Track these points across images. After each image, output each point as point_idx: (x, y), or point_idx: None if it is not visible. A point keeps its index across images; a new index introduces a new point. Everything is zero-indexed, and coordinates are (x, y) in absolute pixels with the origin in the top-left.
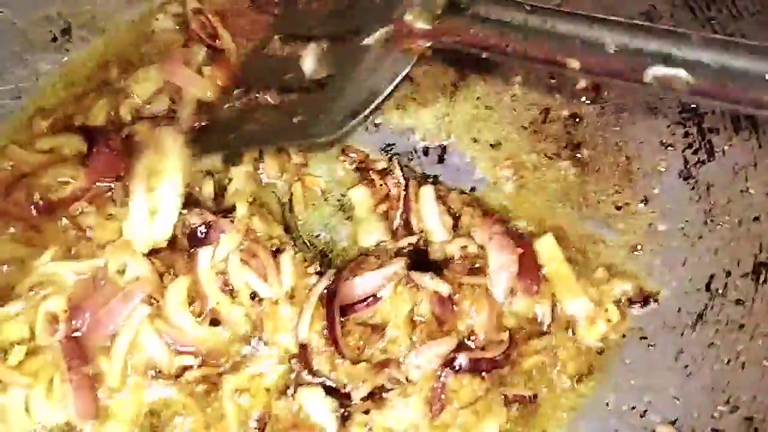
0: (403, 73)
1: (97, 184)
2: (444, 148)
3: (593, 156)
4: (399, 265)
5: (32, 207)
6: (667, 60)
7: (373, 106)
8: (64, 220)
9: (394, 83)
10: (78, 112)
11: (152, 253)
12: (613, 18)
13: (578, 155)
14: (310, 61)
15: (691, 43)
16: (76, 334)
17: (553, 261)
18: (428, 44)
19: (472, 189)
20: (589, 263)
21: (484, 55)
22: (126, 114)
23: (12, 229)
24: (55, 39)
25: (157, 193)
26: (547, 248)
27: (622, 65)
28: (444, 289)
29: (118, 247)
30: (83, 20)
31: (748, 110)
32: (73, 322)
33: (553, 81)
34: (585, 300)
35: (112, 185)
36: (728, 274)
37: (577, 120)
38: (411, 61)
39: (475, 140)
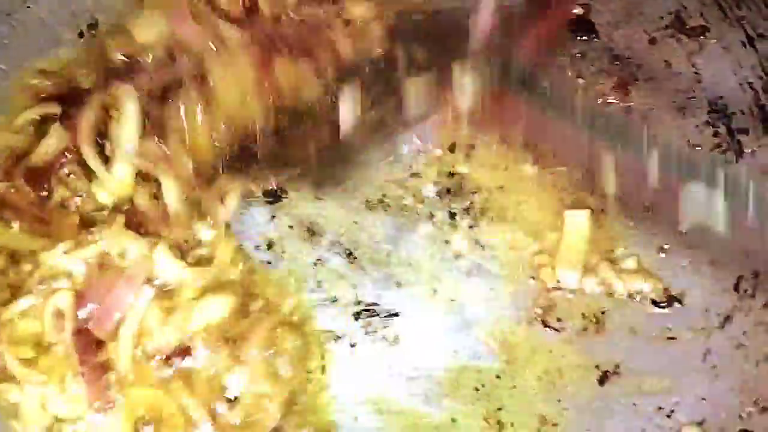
0: None
1: None
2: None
3: None
4: None
5: (22, 178)
6: None
7: None
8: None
9: None
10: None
11: None
12: None
13: None
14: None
15: None
16: (85, 326)
17: (576, 234)
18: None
19: None
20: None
21: None
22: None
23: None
24: (81, 34)
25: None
26: (577, 221)
27: None
28: None
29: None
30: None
31: None
32: (80, 314)
33: (581, 81)
34: (577, 275)
35: None
36: (756, 275)
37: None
38: None
39: None
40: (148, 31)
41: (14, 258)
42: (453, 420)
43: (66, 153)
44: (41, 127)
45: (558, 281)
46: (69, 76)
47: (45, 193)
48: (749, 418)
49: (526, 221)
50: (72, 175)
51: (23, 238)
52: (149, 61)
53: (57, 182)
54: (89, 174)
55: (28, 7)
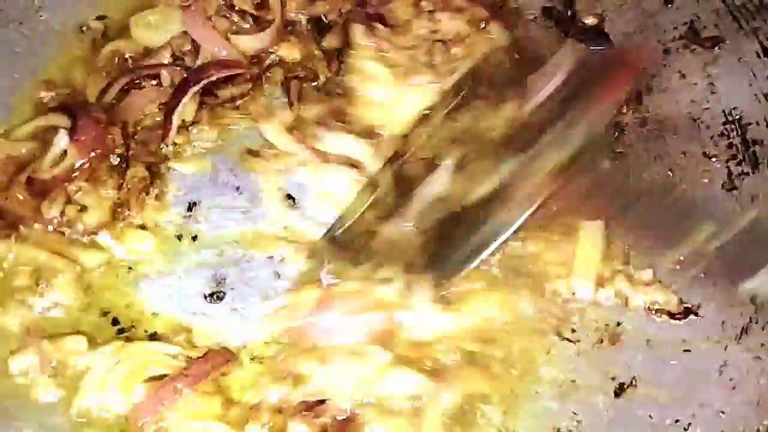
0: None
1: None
2: None
3: (634, 166)
4: None
5: (25, 189)
6: None
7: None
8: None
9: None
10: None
11: None
12: None
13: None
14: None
15: None
16: None
17: (590, 245)
18: None
19: None
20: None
21: None
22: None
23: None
24: (93, 43)
25: None
26: (591, 232)
27: None
28: None
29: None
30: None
31: None
32: None
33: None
34: (591, 286)
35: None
36: None
37: (619, 130)
38: None
39: None
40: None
41: None
42: None
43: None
44: (45, 137)
45: (573, 293)
46: (76, 87)
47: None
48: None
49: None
50: (80, 192)
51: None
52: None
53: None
54: (98, 189)
55: (40, 16)
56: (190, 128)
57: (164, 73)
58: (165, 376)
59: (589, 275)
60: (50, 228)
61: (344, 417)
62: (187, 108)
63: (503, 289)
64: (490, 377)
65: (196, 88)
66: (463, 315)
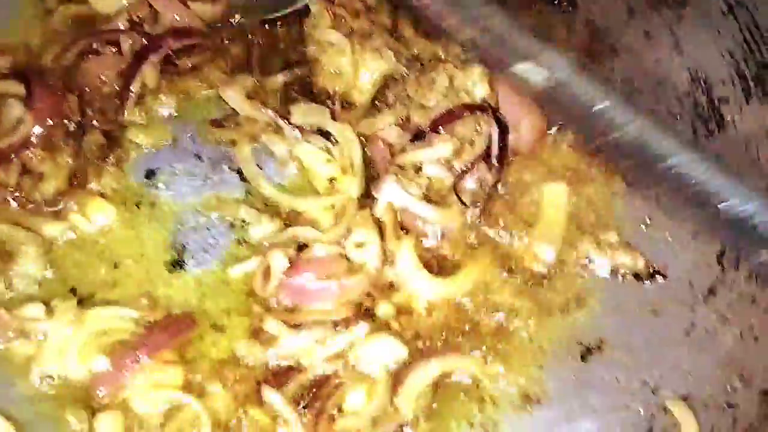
0: None
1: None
2: None
3: None
4: None
5: None
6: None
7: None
8: None
9: None
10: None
11: None
12: None
13: None
14: None
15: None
16: None
17: (554, 208)
18: None
19: None
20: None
21: None
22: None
23: None
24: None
25: None
26: (555, 195)
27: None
28: None
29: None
30: None
31: None
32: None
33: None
34: (554, 250)
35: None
36: (739, 247)
37: None
38: None
39: None
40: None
41: None
42: None
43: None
44: None
45: (536, 256)
46: (32, 52)
47: None
48: (734, 392)
49: None
50: (35, 159)
51: None
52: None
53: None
54: (55, 157)
55: None
56: (150, 96)
57: (124, 40)
58: (125, 342)
59: (552, 239)
60: (10, 200)
61: (319, 382)
62: (148, 76)
63: (488, 254)
64: (468, 356)
65: (156, 57)
66: (454, 280)
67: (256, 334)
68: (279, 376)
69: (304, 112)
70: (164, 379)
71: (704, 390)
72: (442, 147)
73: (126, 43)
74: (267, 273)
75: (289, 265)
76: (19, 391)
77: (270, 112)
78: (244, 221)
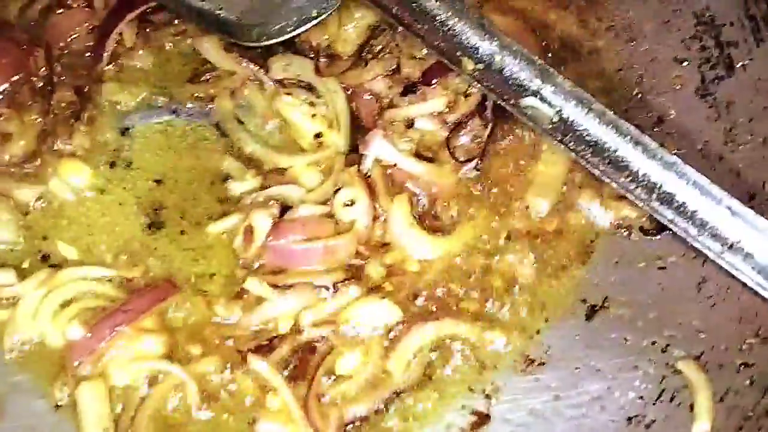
0: (327, 15)
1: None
2: None
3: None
4: None
5: None
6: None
7: (289, 36)
8: None
9: (319, 20)
10: None
11: None
12: (505, 37)
13: None
14: None
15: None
16: None
17: (551, 163)
18: None
19: None
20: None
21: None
22: None
23: None
24: None
25: None
26: (554, 151)
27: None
28: None
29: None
30: None
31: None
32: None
33: None
34: (547, 203)
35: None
36: (752, 197)
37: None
38: (336, 4)
39: None
40: None
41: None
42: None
43: None
44: None
45: (528, 208)
46: None
47: None
48: (750, 350)
49: None
50: (2, 119)
51: None
52: None
53: None
54: (23, 115)
55: None
56: (125, 53)
57: None
58: (102, 309)
59: (547, 192)
60: None
61: (309, 348)
62: (126, 35)
63: (484, 211)
64: (466, 318)
65: (133, 14)
66: (449, 239)
67: (240, 297)
68: (266, 343)
69: (284, 65)
70: (145, 349)
71: (718, 348)
72: (434, 101)
73: None
74: (249, 234)
75: (272, 225)
76: None
77: (249, 65)
78: (225, 178)
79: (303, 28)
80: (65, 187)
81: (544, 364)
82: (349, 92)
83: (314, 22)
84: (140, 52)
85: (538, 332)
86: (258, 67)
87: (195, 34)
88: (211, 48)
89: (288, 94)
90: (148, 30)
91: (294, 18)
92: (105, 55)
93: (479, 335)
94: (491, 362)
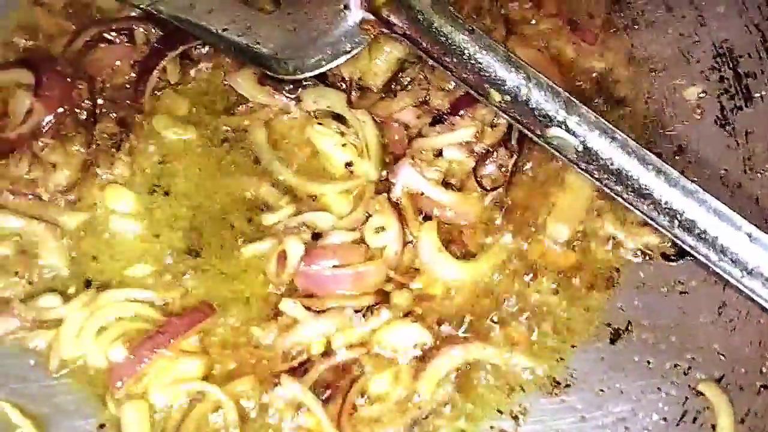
0: (359, 49)
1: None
2: None
3: (623, 104)
4: None
5: None
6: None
7: (323, 69)
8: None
9: (351, 54)
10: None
11: None
12: (531, 69)
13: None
14: None
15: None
16: None
17: (575, 190)
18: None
19: None
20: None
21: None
22: None
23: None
24: None
25: None
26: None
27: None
28: None
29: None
30: None
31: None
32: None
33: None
34: (568, 230)
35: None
36: None
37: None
38: (368, 39)
39: None
40: None
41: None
42: None
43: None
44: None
45: (550, 235)
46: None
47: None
48: None
49: None
50: (47, 149)
51: None
52: None
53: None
54: (66, 146)
55: None
56: (164, 85)
57: (138, 30)
58: (143, 332)
59: (568, 218)
60: (26, 192)
61: (341, 369)
62: (169, 70)
63: (509, 238)
64: (493, 343)
65: (174, 53)
66: (476, 264)
67: (275, 319)
68: (300, 364)
69: (316, 96)
70: (184, 371)
71: (738, 371)
72: (462, 131)
73: (140, 34)
74: (282, 259)
75: (304, 251)
76: (37, 386)
77: (282, 97)
78: (259, 207)
79: (336, 62)
80: (108, 213)
81: (569, 386)
82: (379, 122)
83: (347, 56)
84: (180, 86)
85: (564, 355)
86: (290, 99)
87: (231, 69)
88: (243, 82)
89: (319, 123)
90: (188, 64)
91: (328, 52)
92: (147, 89)
93: (506, 360)
94: (518, 384)
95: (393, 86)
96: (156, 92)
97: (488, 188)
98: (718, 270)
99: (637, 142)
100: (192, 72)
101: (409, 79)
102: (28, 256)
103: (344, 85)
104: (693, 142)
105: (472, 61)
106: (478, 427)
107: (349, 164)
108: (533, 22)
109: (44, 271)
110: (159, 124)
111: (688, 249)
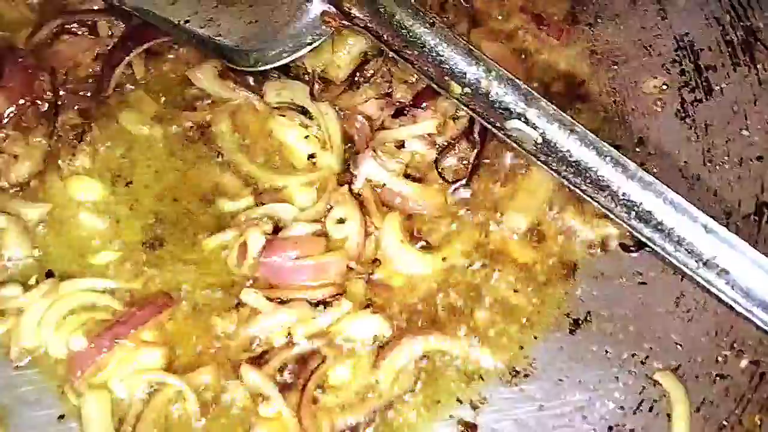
0: (320, 41)
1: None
2: None
3: (585, 97)
4: None
5: None
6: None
7: (285, 61)
8: None
9: (313, 46)
10: None
11: None
12: (491, 62)
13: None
14: None
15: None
16: None
17: (535, 182)
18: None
19: None
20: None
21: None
22: None
23: None
24: None
25: None
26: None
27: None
28: None
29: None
30: None
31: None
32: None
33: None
34: (525, 220)
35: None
36: (728, 215)
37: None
38: (329, 32)
39: None
40: None
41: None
42: None
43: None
44: None
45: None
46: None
47: None
48: (725, 363)
49: None
50: (8, 140)
51: None
52: None
53: None
54: (28, 137)
55: None
56: (127, 78)
57: (101, 23)
58: (104, 321)
59: (527, 209)
60: None
61: (302, 359)
62: (136, 66)
63: (470, 230)
64: (453, 334)
65: (141, 48)
66: (437, 256)
67: (236, 309)
68: (261, 354)
69: (278, 89)
70: (144, 361)
71: (694, 361)
72: (425, 123)
73: (104, 27)
74: (243, 250)
75: (265, 242)
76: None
77: (243, 91)
78: (222, 198)
79: (298, 54)
80: (70, 204)
81: (528, 375)
82: (342, 114)
83: (308, 48)
84: (142, 80)
85: (524, 345)
86: (252, 93)
87: (193, 63)
88: (203, 78)
89: (282, 115)
90: (151, 59)
91: (290, 44)
92: (111, 82)
93: (466, 350)
94: (478, 374)
95: (356, 78)
96: (118, 87)
97: (450, 180)
98: (674, 261)
99: (597, 135)
100: (154, 66)
101: (372, 71)
102: None
103: (307, 78)
104: (653, 134)
105: (433, 54)
106: (438, 416)
107: (312, 156)
108: (499, 17)
109: (6, 263)
110: (127, 120)
111: (645, 240)
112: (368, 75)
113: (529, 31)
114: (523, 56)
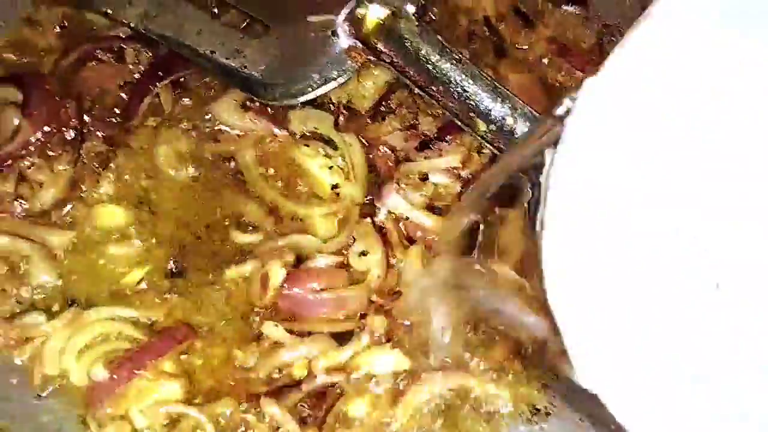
0: (346, 78)
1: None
2: None
3: None
4: None
5: None
6: None
7: (310, 96)
8: None
9: (338, 82)
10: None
11: None
12: (517, 100)
13: None
14: None
15: None
16: None
17: None
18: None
19: None
20: None
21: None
22: None
23: None
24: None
25: None
26: None
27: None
28: None
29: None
30: None
31: None
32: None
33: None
34: None
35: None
36: None
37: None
38: (355, 67)
39: None
40: None
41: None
42: None
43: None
44: None
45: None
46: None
47: None
48: None
49: None
50: (34, 168)
51: None
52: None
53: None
54: (53, 164)
55: None
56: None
57: (128, 50)
58: (125, 351)
59: None
60: (10, 210)
61: (321, 393)
62: (163, 97)
63: None
64: (474, 371)
65: (169, 79)
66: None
67: (257, 341)
68: (280, 386)
69: (303, 119)
70: (164, 392)
71: None
72: (449, 156)
73: (131, 54)
74: (265, 281)
75: (287, 274)
76: (19, 406)
77: (263, 122)
78: (244, 228)
79: (323, 89)
80: (94, 232)
81: (549, 414)
82: (366, 145)
83: (334, 84)
84: (168, 110)
85: (546, 384)
86: (274, 123)
87: (217, 93)
88: (223, 112)
89: (306, 145)
90: (177, 89)
91: (315, 79)
92: (139, 112)
93: (486, 388)
94: (498, 412)
95: (381, 109)
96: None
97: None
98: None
99: None
100: (181, 96)
101: (397, 102)
102: (16, 275)
103: (332, 107)
104: None
105: (459, 90)
106: None
107: (335, 186)
108: (525, 47)
109: (30, 290)
110: (162, 158)
111: None
112: (393, 106)
113: (554, 62)
114: (550, 87)
